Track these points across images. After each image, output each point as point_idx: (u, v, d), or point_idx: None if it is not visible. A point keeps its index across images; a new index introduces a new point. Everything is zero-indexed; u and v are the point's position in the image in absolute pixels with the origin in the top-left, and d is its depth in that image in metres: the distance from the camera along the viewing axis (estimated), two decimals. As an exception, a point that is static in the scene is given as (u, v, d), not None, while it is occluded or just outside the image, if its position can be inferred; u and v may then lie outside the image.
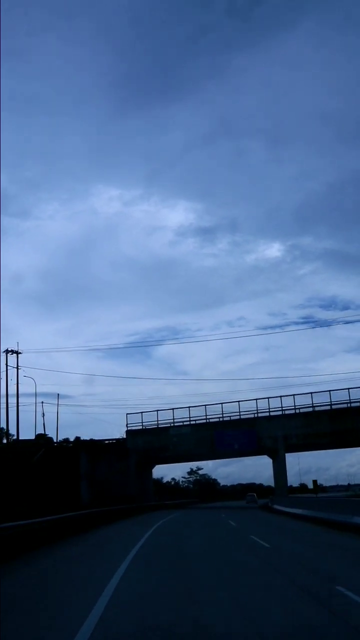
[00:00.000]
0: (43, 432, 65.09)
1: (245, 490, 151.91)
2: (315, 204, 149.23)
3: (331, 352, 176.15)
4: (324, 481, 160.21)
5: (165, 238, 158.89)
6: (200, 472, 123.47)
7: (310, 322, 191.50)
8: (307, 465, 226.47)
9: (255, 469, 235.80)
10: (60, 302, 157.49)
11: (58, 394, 67.90)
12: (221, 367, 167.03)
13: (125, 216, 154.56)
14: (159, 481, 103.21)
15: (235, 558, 13.70)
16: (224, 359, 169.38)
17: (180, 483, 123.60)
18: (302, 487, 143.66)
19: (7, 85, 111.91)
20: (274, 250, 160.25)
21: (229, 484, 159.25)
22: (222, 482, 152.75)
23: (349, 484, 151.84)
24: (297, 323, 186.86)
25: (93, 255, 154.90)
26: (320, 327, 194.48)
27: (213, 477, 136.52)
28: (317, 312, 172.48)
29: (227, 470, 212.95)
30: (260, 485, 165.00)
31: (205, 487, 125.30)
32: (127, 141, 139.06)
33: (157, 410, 60.35)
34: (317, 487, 51.51)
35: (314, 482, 52.66)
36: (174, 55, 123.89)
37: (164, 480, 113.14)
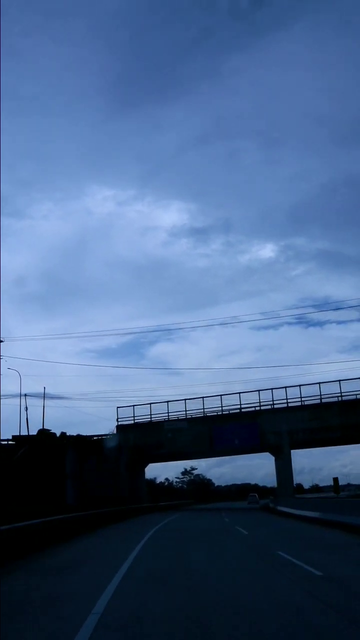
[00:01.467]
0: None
1: (239, 491, 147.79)
2: (309, 204, 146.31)
3: (324, 352, 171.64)
4: (318, 481, 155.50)
5: (159, 238, 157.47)
6: (195, 472, 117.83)
7: (303, 322, 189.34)
8: (299, 465, 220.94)
9: (248, 469, 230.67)
10: (54, 302, 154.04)
11: (44, 387, 61.83)
12: (214, 366, 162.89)
13: (119, 216, 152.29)
14: (152, 482, 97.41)
15: (292, 614, 7.71)
16: (217, 358, 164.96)
17: (174, 483, 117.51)
18: (298, 487, 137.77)
19: (1, 85, 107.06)
20: (267, 250, 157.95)
21: (223, 484, 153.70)
22: (216, 482, 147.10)
23: (348, 483, 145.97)
24: (290, 323, 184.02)
25: (87, 255, 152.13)
26: (313, 327, 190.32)
27: (207, 478, 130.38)
28: (310, 313, 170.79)
29: (220, 471, 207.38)
30: (256, 485, 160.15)
31: (199, 487, 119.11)
32: (121, 141, 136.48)
33: (150, 404, 54.55)
34: (338, 486, 45.56)
35: (335, 480, 46.69)
36: (169, 56, 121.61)
37: (158, 481, 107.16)
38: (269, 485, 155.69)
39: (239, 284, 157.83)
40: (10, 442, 55.10)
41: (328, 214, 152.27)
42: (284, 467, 50.67)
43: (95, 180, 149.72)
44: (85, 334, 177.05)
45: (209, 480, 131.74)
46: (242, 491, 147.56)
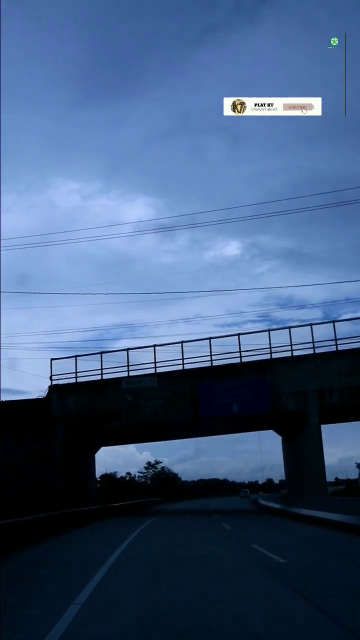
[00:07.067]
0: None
1: (207, 487, 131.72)
2: (273, 202, 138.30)
3: (287, 350, 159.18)
4: (281, 476, 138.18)
5: (124, 233, 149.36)
6: (160, 465, 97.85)
7: (267, 320, 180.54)
8: (263, 462, 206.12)
9: (210, 466, 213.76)
10: (16, 296, 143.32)
11: None
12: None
13: (84, 210, 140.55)
14: (112, 476, 76.31)
15: None
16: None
17: (137, 478, 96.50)
18: (269, 483, 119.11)
19: None
20: (232, 248, 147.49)
21: (189, 480, 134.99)
22: (182, 478, 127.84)
23: (340, 478, 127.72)
24: (253, 321, 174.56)
25: (50, 249, 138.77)
26: (277, 325, 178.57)
27: (174, 472, 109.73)
28: (274, 311, 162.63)
29: (183, 467, 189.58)
30: (225, 480, 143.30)
31: (165, 483, 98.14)
32: (86, 134, 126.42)
33: (102, 352, 33.95)
34: None
35: None
36: (135, 49, 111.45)
37: (118, 476, 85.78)
38: (237, 480, 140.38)
39: (203, 280, 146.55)
40: None
41: (293, 213, 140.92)
42: (309, 448, 30.52)
43: (60, 173, 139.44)
44: (47, 328, 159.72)
45: (176, 475, 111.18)
46: (210, 487, 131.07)
